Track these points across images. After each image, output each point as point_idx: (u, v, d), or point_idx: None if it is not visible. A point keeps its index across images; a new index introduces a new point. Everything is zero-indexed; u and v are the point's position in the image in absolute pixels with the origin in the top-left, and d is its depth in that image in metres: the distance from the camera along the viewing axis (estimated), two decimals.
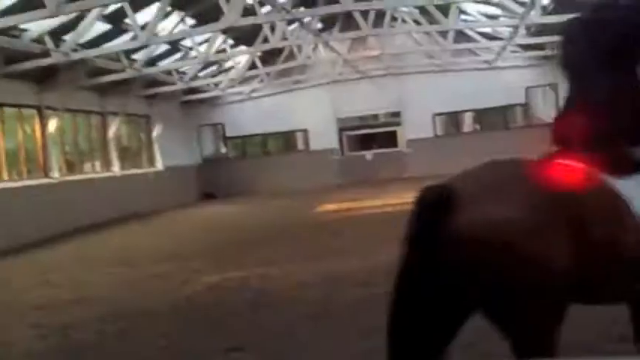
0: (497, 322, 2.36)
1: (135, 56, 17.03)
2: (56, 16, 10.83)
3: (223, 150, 24.71)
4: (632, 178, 2.39)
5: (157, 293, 6.93)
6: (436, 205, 2.34)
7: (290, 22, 17.13)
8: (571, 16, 2.88)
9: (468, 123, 23.71)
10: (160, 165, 20.86)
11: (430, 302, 2.35)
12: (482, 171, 2.55)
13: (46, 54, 13.38)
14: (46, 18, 10.95)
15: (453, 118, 23.45)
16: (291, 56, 20.66)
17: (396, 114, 23.39)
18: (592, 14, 2.72)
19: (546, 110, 22.26)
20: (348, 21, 18.39)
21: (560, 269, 2.19)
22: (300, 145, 24.32)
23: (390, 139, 23.60)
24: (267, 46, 17.37)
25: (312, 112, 23.03)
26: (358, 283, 6.33)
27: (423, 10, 17.95)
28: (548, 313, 2.27)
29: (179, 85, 19.73)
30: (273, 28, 17.01)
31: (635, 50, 2.58)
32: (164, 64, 18.72)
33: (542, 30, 17.06)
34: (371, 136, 23.96)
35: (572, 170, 2.40)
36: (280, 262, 8.02)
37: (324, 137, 23.27)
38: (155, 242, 11.77)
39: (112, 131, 18.12)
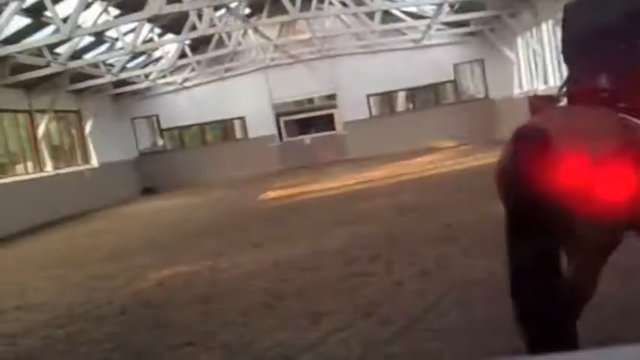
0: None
1: (59, 50, 16.50)
2: None
3: (160, 142, 24.29)
4: None
5: (103, 294, 6.87)
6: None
7: (217, 9, 16.95)
8: None
9: (401, 102, 24.19)
10: (95, 162, 20.35)
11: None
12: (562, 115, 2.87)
13: None
14: None
15: (387, 98, 23.86)
16: (221, 43, 20.48)
17: (332, 97, 23.61)
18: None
19: (474, 85, 23.03)
20: (275, 5, 18.37)
21: None
22: (239, 134, 24.20)
23: (328, 122, 23.83)
24: (195, 34, 17.14)
25: (248, 99, 22.98)
26: (306, 268, 6.49)
27: None
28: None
29: (108, 78, 19.23)
30: (200, 16, 16.82)
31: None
32: (90, 56, 18.18)
33: (465, 7, 17.53)
34: (308, 121, 24.10)
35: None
36: (228, 253, 8.08)
37: (261, 124, 23.25)
38: (97, 241, 11.57)
39: (41, 130, 17.53)
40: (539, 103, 3.33)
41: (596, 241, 2.62)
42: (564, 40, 3.37)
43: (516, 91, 18.21)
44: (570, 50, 3.28)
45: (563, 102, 3.31)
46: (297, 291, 5.69)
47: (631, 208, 2.46)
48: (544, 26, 15.80)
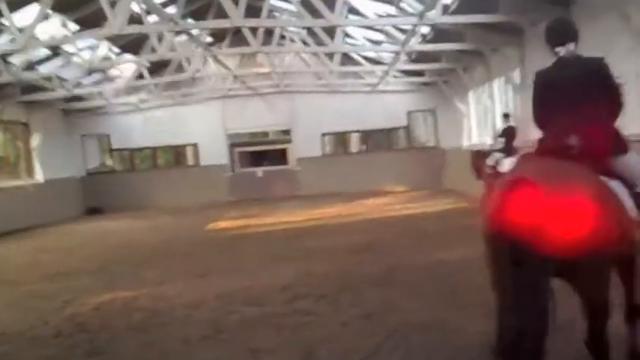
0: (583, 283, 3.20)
1: (12, 59, 16.11)
2: None
3: (109, 162, 23.80)
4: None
5: (39, 314, 6.67)
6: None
7: (179, 33, 16.98)
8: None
9: (355, 143, 24.57)
10: (40, 177, 19.72)
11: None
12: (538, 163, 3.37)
13: None
14: None
15: (341, 138, 24.19)
16: (180, 68, 20.44)
17: (287, 132, 23.76)
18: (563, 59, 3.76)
19: (426, 134, 23.65)
20: (237, 36, 18.55)
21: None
22: (191, 160, 23.98)
23: (281, 157, 23.90)
24: (154, 57, 17.09)
25: (203, 127, 22.87)
26: (250, 302, 6.47)
27: (310, 31, 18.52)
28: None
29: (60, 93, 18.83)
30: (160, 39, 16.80)
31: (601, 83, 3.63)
32: (44, 69, 17.83)
33: (421, 58, 18.11)
34: (262, 153, 24.14)
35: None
36: (171, 281, 7.98)
37: (214, 153, 23.12)
38: (37, 259, 11.19)
39: None
40: (477, 156, 3.95)
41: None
42: (536, 104, 3.85)
43: (465, 143, 18.78)
44: (541, 113, 3.79)
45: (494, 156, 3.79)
46: (239, 325, 5.67)
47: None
48: (495, 82, 16.47)
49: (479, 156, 12.66)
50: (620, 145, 3.57)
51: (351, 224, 13.32)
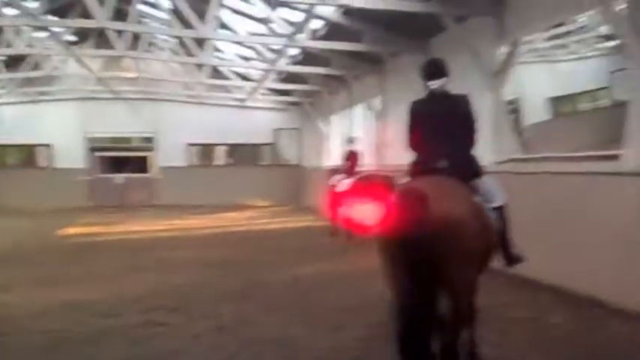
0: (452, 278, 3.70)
1: None
2: None
3: None
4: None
5: None
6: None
7: (39, 29, 16.09)
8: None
9: (220, 156, 24.53)
10: None
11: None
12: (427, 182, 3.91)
13: None
14: None
15: (207, 150, 24.06)
16: (38, 65, 19.31)
17: (150, 139, 23.18)
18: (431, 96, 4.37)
19: (290, 152, 24.22)
20: (103, 38, 17.91)
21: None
22: (45, 161, 22.53)
23: (142, 165, 23.23)
24: (9, 51, 16.05)
25: (60, 128, 21.65)
26: (100, 313, 6.33)
27: (181, 41, 18.37)
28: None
29: None
30: (19, 33, 15.83)
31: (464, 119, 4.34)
32: None
33: (290, 78, 18.64)
34: (122, 160, 23.30)
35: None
36: (15, 288, 7.57)
37: (71, 155, 21.94)
38: None
39: None
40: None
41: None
42: (410, 131, 4.41)
43: (325, 163, 19.49)
44: (415, 138, 4.37)
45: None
46: (87, 336, 5.53)
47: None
48: (357, 107, 17.34)
49: (332, 175, 13.44)
50: (477, 169, 4.26)
51: (211, 237, 13.34)
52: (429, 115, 4.29)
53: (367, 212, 10.50)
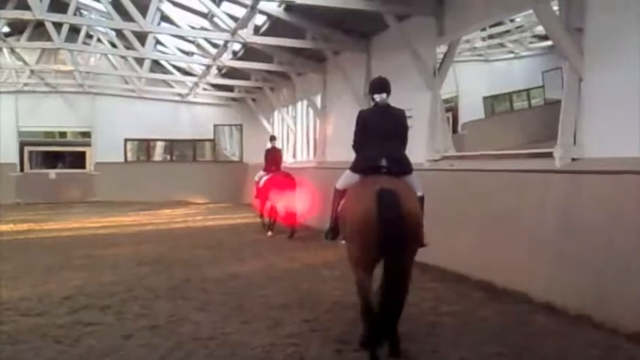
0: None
1: None
2: None
3: None
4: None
5: None
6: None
7: None
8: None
9: (159, 152, 24.08)
10: None
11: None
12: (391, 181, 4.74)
13: None
14: None
15: (145, 146, 23.56)
16: None
17: (86, 134, 22.53)
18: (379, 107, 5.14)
19: (232, 148, 24.02)
20: (39, 30, 17.29)
21: None
22: None
23: (78, 160, 22.56)
24: None
25: None
26: (26, 313, 6.10)
27: (120, 34, 17.91)
28: None
29: None
30: None
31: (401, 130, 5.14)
32: None
33: (231, 73, 18.45)
34: (57, 155, 22.55)
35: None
36: None
37: (2, 150, 21.08)
38: None
39: None
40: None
41: None
42: (357, 135, 5.12)
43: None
44: (359, 141, 5.10)
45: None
46: (9, 337, 5.31)
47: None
48: (299, 105, 17.35)
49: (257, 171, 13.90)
50: (409, 167, 5.07)
51: (146, 234, 13.08)
52: (373, 122, 5.06)
53: (286, 202, 11.81)
